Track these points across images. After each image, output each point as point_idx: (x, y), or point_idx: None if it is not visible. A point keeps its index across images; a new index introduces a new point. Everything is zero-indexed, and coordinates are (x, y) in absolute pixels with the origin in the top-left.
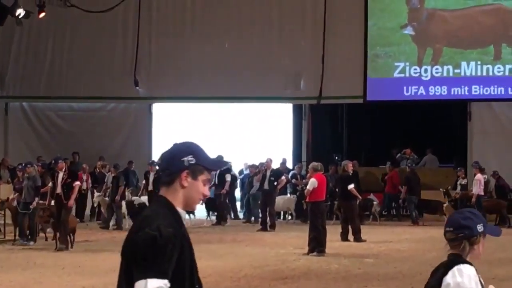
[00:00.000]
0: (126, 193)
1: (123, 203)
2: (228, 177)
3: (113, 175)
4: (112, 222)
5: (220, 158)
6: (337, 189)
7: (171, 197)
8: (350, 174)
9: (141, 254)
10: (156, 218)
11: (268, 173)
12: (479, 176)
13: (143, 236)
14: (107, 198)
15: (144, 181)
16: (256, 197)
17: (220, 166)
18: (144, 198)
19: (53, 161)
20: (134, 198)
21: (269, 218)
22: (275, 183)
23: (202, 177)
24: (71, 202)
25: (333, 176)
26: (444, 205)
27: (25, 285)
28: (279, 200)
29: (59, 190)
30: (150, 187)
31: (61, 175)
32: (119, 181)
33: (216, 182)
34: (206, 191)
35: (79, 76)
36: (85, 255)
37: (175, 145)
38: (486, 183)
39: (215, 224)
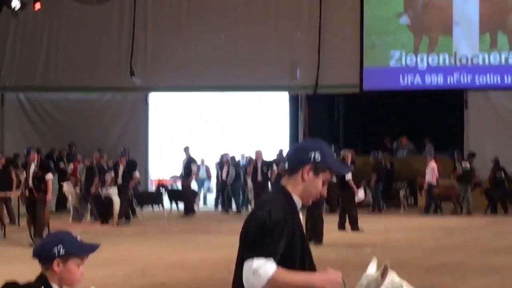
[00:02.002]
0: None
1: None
2: (193, 166)
3: (123, 165)
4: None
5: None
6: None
7: (290, 186)
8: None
9: (251, 235)
10: (270, 203)
11: (259, 164)
12: (432, 164)
13: (255, 219)
14: (77, 190)
15: (112, 173)
16: (234, 188)
17: (343, 170)
18: (112, 190)
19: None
20: (101, 190)
21: None
22: (268, 174)
23: (323, 175)
24: (49, 197)
25: None
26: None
27: (24, 277)
28: None
29: (31, 183)
30: (120, 180)
31: (32, 166)
32: (93, 173)
33: (183, 173)
34: (324, 190)
35: (75, 67)
36: None
37: (308, 139)
38: (468, 171)
39: (185, 215)
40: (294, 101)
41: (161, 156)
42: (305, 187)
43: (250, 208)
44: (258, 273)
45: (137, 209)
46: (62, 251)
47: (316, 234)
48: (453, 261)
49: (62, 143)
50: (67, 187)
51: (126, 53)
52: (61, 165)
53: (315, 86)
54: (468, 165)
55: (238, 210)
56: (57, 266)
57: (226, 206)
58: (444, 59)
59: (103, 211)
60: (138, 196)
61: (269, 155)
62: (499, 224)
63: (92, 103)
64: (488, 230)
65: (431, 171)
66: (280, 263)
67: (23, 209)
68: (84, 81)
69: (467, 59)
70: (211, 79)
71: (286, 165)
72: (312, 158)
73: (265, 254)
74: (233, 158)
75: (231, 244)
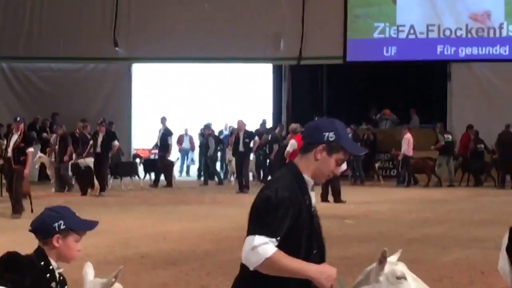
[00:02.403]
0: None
1: (69, 165)
2: (170, 140)
3: (102, 133)
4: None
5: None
6: None
7: (302, 164)
8: None
9: (256, 212)
10: (278, 181)
11: (241, 135)
12: (408, 135)
13: (261, 196)
14: (52, 159)
15: (91, 142)
16: (213, 159)
17: (358, 151)
18: (90, 160)
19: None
20: (79, 160)
21: (244, 179)
22: (250, 145)
23: (337, 155)
24: (27, 171)
25: None
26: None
27: (5, 246)
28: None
29: (10, 153)
30: (99, 149)
31: (15, 137)
32: (67, 142)
33: (159, 144)
34: (337, 170)
35: (58, 37)
36: None
37: (323, 118)
38: (450, 143)
39: (152, 185)
40: (278, 72)
41: (144, 126)
42: (317, 167)
43: (232, 179)
44: (256, 250)
45: (111, 179)
46: (62, 226)
47: None
48: (435, 233)
49: (45, 113)
50: (41, 157)
51: (110, 23)
52: (44, 135)
53: (298, 57)
54: (450, 137)
55: (220, 182)
56: (56, 241)
57: (207, 177)
58: (428, 31)
59: (83, 181)
60: (113, 167)
61: (253, 126)
62: (482, 197)
63: (75, 73)
64: (470, 203)
65: (406, 143)
66: (282, 242)
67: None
68: (67, 51)
69: (451, 31)
70: (195, 50)
71: (303, 143)
72: (326, 138)
73: (268, 233)
74: (210, 128)
75: (214, 215)
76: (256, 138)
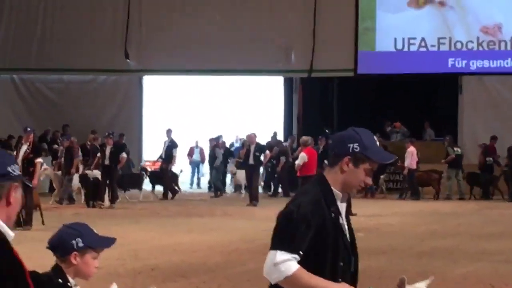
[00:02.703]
0: (80, 166)
1: (76, 176)
2: (175, 152)
3: (110, 146)
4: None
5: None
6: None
7: (331, 177)
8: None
9: (278, 226)
10: (303, 195)
11: (252, 148)
12: (411, 149)
13: (284, 211)
14: (58, 172)
15: (99, 154)
16: (219, 170)
17: (386, 159)
18: (97, 172)
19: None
20: (87, 171)
21: (253, 192)
22: (260, 158)
23: (364, 166)
24: (35, 181)
25: (324, 149)
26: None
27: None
28: (241, 173)
29: (19, 164)
30: (107, 162)
31: (24, 147)
32: (72, 154)
33: (163, 156)
34: (368, 180)
35: (70, 49)
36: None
37: (349, 130)
38: (459, 156)
39: (162, 198)
40: (289, 85)
41: (155, 138)
42: (345, 179)
43: (242, 191)
44: (278, 267)
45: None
46: (80, 244)
47: None
48: (445, 247)
49: (56, 124)
50: (46, 169)
51: (121, 35)
52: (55, 147)
53: (309, 70)
54: (459, 150)
55: (220, 194)
56: (74, 259)
57: (217, 189)
58: (439, 44)
59: (91, 193)
60: (119, 178)
61: (264, 138)
62: (491, 210)
63: (86, 85)
64: (480, 216)
65: (410, 156)
66: (305, 256)
67: None
68: (78, 63)
69: (462, 44)
70: (206, 63)
71: (329, 156)
72: (351, 149)
73: (289, 249)
74: (219, 140)
75: (224, 227)
76: (267, 151)
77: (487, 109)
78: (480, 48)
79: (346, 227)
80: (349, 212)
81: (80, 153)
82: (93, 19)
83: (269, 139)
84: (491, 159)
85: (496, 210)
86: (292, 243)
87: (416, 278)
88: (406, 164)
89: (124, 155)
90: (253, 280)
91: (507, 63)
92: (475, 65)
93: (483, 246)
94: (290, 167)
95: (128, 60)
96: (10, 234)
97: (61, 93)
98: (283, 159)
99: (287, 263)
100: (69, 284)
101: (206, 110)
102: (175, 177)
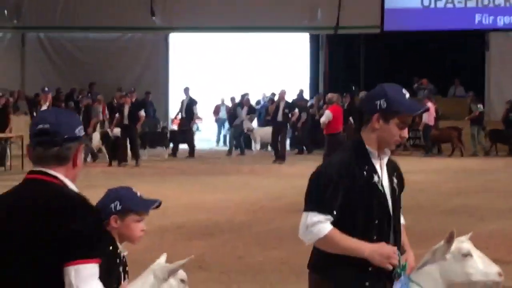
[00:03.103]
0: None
1: (96, 134)
2: (195, 110)
3: (128, 105)
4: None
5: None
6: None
7: (365, 136)
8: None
9: (308, 187)
10: (334, 155)
11: (281, 105)
12: (429, 104)
13: (314, 172)
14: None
15: (117, 114)
16: (237, 129)
17: (414, 110)
18: (117, 130)
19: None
20: (109, 130)
21: (281, 149)
22: (289, 115)
23: (394, 120)
24: None
25: (349, 106)
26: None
27: None
28: (260, 131)
29: None
30: (126, 121)
31: (44, 107)
32: (90, 113)
33: (184, 114)
34: (404, 133)
35: (95, 6)
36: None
37: (376, 87)
38: (481, 113)
39: (188, 156)
40: (315, 42)
41: (181, 96)
42: (379, 136)
43: (255, 148)
44: (311, 229)
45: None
46: (118, 207)
47: None
48: (472, 204)
49: (82, 83)
50: None
51: None
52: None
53: (336, 26)
54: (481, 106)
55: (242, 152)
56: (114, 222)
57: (231, 146)
58: (466, 0)
59: (114, 151)
60: (141, 137)
61: (290, 96)
62: None
63: (112, 43)
64: (507, 173)
65: (427, 112)
66: (337, 215)
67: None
68: (104, 21)
69: (489, 0)
70: (232, 20)
71: (363, 115)
72: (378, 106)
73: (320, 209)
74: (244, 98)
75: (251, 185)
76: (296, 110)
77: None
78: (508, 4)
79: (387, 184)
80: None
81: (106, 111)
82: None
83: (295, 97)
84: None
85: None
86: (322, 203)
87: (443, 235)
88: (423, 120)
89: (142, 113)
90: (279, 239)
91: None
92: (502, 21)
93: (510, 204)
94: (312, 124)
95: (153, 17)
96: None
97: (87, 51)
98: (303, 115)
99: (319, 225)
100: (118, 251)
101: (232, 68)
102: (191, 134)
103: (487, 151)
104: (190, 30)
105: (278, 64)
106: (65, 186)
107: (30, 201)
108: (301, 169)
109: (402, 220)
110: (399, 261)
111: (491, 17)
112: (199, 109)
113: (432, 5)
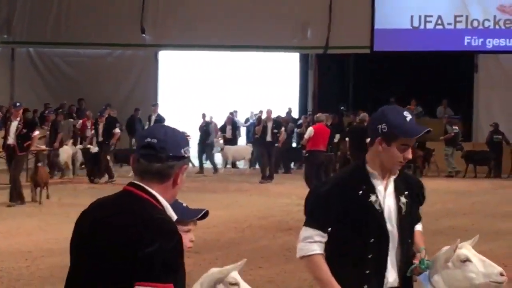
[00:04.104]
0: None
1: (66, 149)
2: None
3: (102, 123)
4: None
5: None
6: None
7: (370, 158)
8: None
9: (305, 203)
10: (335, 174)
11: (269, 125)
12: None
13: (311, 190)
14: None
15: (92, 131)
16: (212, 147)
17: (414, 133)
18: (93, 149)
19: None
20: (89, 146)
21: (270, 169)
22: (278, 135)
23: (396, 143)
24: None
25: (335, 126)
26: None
27: (31, 232)
28: (234, 149)
29: (11, 140)
30: (100, 138)
31: (15, 124)
32: (57, 128)
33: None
34: (407, 154)
35: (86, 22)
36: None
37: (378, 111)
38: (457, 134)
39: None
40: (305, 61)
41: (170, 113)
42: (382, 158)
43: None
44: (301, 244)
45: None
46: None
47: None
48: (460, 225)
49: (72, 98)
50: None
51: (138, 9)
52: (71, 121)
53: (325, 46)
54: (457, 128)
55: (215, 170)
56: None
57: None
58: (456, 22)
59: (92, 167)
60: (115, 154)
61: (278, 114)
62: (506, 189)
63: (102, 59)
64: (495, 195)
65: None
66: (331, 233)
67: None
68: (94, 37)
69: (478, 23)
70: (222, 38)
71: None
72: (380, 130)
73: (315, 225)
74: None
75: (239, 203)
76: (283, 128)
77: (503, 88)
78: (497, 27)
79: (390, 203)
80: None
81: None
82: None
83: (284, 116)
84: (499, 137)
85: (510, 189)
86: (315, 219)
87: (430, 256)
88: None
89: (117, 130)
90: (267, 257)
91: None
92: (491, 43)
93: (497, 226)
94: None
95: (144, 34)
96: (173, 216)
97: (77, 67)
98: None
99: (308, 244)
100: None
101: (221, 86)
102: None
103: (457, 171)
104: (180, 47)
105: (267, 83)
106: (157, 206)
107: (114, 215)
108: (289, 188)
109: (419, 227)
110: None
111: (481, 39)
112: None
113: (422, 26)
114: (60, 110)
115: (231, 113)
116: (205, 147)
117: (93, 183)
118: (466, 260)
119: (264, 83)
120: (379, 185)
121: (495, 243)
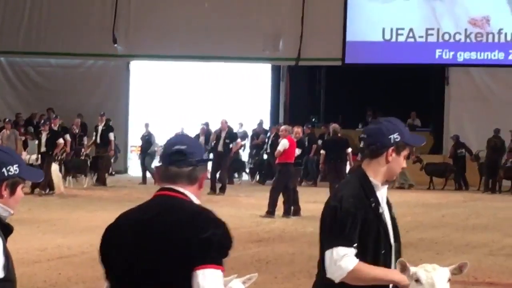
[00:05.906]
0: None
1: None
2: (111, 136)
3: (45, 132)
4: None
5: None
6: (325, 152)
7: (371, 169)
8: (343, 139)
9: (327, 225)
10: (343, 189)
11: (223, 135)
12: None
13: (328, 207)
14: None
15: (36, 142)
16: (151, 157)
17: (420, 142)
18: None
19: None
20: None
21: (221, 180)
22: (230, 146)
23: (403, 152)
24: None
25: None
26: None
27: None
28: None
29: None
30: (43, 149)
31: None
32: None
33: (99, 141)
34: (404, 163)
35: (58, 32)
36: (60, 213)
37: (383, 122)
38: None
39: (96, 184)
40: (276, 73)
41: (141, 123)
42: (390, 168)
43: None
44: (339, 264)
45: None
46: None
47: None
48: (430, 238)
49: (43, 108)
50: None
51: (109, 20)
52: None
53: (297, 58)
54: None
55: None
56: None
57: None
58: (427, 35)
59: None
60: (65, 164)
61: (250, 126)
62: (476, 201)
63: (74, 69)
64: (465, 208)
65: None
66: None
67: None
68: (66, 47)
69: (449, 36)
70: (193, 49)
71: (367, 149)
72: (393, 140)
73: (344, 243)
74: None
75: None
76: (239, 140)
77: (474, 101)
78: (468, 40)
79: (388, 215)
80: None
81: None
82: (81, 3)
83: (255, 127)
84: (462, 150)
85: (480, 201)
86: (345, 237)
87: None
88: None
89: (60, 140)
90: (237, 268)
91: (494, 55)
92: (462, 56)
93: (467, 238)
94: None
95: (115, 45)
96: None
97: (49, 76)
98: (239, 142)
99: (345, 258)
100: None
101: (192, 97)
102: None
103: (410, 185)
104: (151, 58)
105: (239, 94)
106: (191, 201)
107: (161, 214)
108: (260, 200)
109: None
110: None
111: (452, 53)
112: (134, 138)
113: (394, 39)
114: (7, 120)
115: (204, 124)
116: (148, 157)
117: (35, 194)
118: (418, 280)
119: (236, 94)
120: (380, 196)
121: (464, 256)
